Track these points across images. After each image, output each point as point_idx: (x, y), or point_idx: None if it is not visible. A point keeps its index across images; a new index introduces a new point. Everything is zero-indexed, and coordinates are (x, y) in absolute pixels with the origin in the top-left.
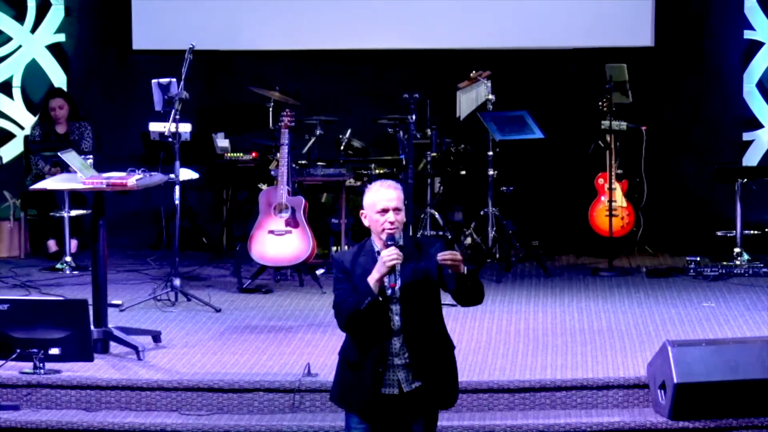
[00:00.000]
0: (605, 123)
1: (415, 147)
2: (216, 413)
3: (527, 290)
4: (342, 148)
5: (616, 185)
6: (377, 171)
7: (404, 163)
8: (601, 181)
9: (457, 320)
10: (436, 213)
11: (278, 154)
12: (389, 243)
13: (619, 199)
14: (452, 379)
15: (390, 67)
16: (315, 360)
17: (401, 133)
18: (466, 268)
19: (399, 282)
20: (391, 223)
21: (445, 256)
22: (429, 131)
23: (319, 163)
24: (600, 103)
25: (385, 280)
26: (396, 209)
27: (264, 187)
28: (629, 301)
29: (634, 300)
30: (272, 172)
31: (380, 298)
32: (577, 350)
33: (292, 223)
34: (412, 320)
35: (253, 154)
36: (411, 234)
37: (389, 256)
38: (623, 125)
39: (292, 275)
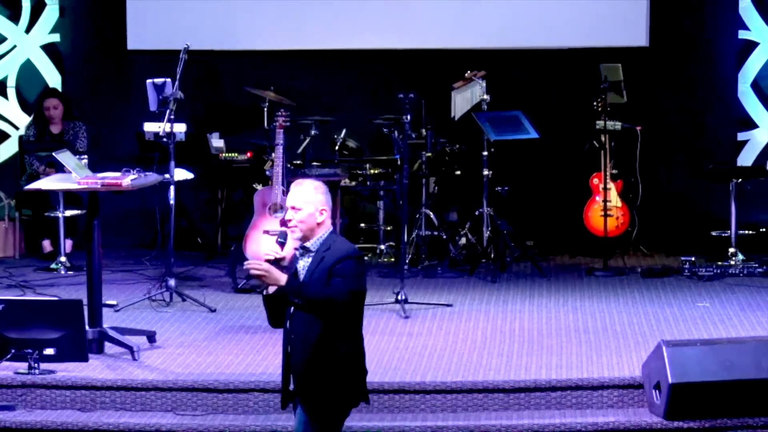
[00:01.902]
0: (600, 123)
1: (410, 147)
2: (211, 413)
3: (522, 290)
4: (337, 148)
5: (611, 185)
6: (372, 171)
7: (399, 163)
8: (596, 181)
9: (452, 320)
10: (431, 213)
11: (273, 154)
12: (278, 240)
13: (614, 199)
14: (322, 389)
15: (385, 67)
16: None
17: (396, 133)
18: (272, 288)
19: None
20: (289, 220)
21: (251, 265)
22: (424, 131)
23: (314, 163)
24: (595, 103)
25: None
26: (293, 207)
27: (259, 187)
28: (624, 301)
29: (629, 300)
30: (267, 172)
31: (263, 292)
32: (572, 350)
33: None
34: (297, 322)
35: (248, 154)
36: (343, 239)
37: (266, 252)
38: (618, 125)
39: None
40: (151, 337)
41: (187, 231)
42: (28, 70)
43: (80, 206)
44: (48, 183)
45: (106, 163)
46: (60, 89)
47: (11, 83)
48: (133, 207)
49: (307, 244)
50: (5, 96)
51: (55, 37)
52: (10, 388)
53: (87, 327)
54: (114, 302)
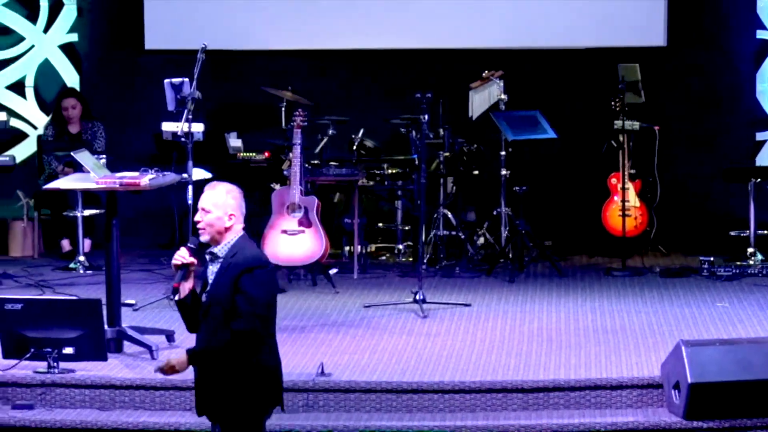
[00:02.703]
0: (618, 123)
1: (427, 147)
2: None
3: (540, 290)
4: (355, 147)
5: (629, 185)
6: (390, 171)
7: (417, 162)
8: (614, 180)
9: (470, 320)
10: (449, 213)
11: (291, 154)
12: (189, 245)
13: (632, 199)
14: (224, 397)
15: (402, 66)
16: (328, 360)
17: (414, 132)
18: (184, 292)
19: (185, 285)
20: (198, 222)
21: (176, 256)
22: (441, 131)
23: (332, 163)
24: (612, 103)
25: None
26: (203, 209)
27: (277, 186)
28: (643, 301)
29: (648, 300)
30: (285, 172)
31: (171, 297)
32: (590, 350)
33: (305, 222)
34: (202, 328)
35: (266, 154)
36: (252, 245)
37: (175, 256)
38: (636, 125)
39: (305, 275)
40: (170, 336)
41: None
42: (46, 69)
43: (99, 206)
44: (66, 182)
45: (124, 162)
46: (78, 89)
47: (29, 83)
48: (152, 207)
49: (215, 250)
50: (23, 96)
51: (73, 37)
52: (29, 387)
53: (106, 326)
54: (133, 301)
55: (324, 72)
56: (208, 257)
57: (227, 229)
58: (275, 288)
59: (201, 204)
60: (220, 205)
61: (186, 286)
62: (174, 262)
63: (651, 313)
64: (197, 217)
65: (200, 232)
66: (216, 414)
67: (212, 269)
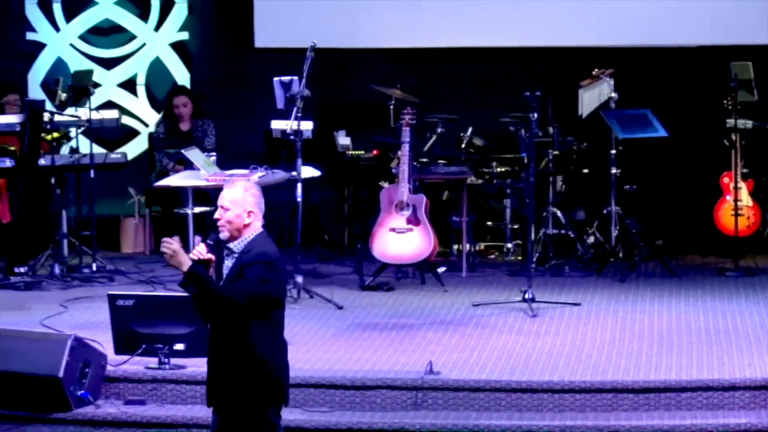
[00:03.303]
0: (730, 121)
1: (536, 145)
2: (338, 410)
3: (651, 290)
4: (463, 146)
5: (742, 184)
6: (498, 169)
7: (526, 161)
8: (726, 180)
9: (580, 319)
10: (558, 212)
11: (399, 152)
12: (208, 241)
13: (745, 199)
14: (235, 389)
15: (511, 64)
16: (437, 358)
17: (523, 131)
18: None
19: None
20: (218, 219)
21: (163, 244)
22: (551, 129)
23: (441, 161)
24: (725, 102)
25: None
26: (222, 206)
27: (385, 184)
28: (755, 301)
29: (761, 301)
30: (393, 170)
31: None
32: (702, 351)
33: (414, 220)
34: (215, 321)
35: (375, 152)
36: (268, 242)
37: (193, 251)
38: (748, 124)
39: (414, 273)
40: None
41: (313, 228)
42: (157, 68)
43: (209, 203)
44: (177, 180)
45: (234, 160)
46: (189, 87)
47: (141, 81)
48: None
49: (231, 245)
50: (135, 93)
51: (184, 35)
52: (141, 382)
53: None
54: None
55: (433, 70)
56: (225, 253)
57: (246, 226)
58: (277, 288)
59: (220, 201)
60: (238, 203)
61: None
62: (191, 257)
63: (764, 314)
64: (217, 214)
65: (220, 228)
66: (220, 406)
67: (227, 264)
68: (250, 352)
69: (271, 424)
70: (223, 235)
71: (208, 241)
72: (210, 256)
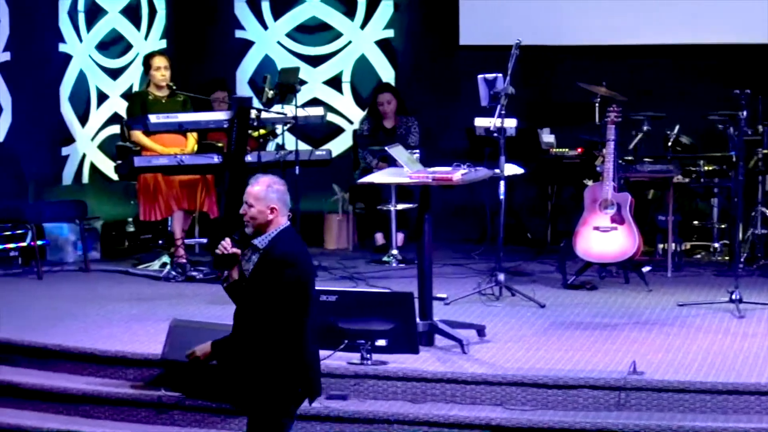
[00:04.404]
0: None
1: (745, 143)
2: (540, 409)
3: None
4: (670, 144)
5: None
6: (706, 168)
7: (734, 160)
8: None
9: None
10: (767, 211)
11: (604, 150)
12: (234, 236)
13: None
14: (251, 386)
15: (719, 62)
16: (641, 358)
17: (731, 129)
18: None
19: (233, 274)
20: (243, 214)
21: (219, 247)
22: (761, 128)
23: (646, 160)
24: None
25: None
26: (246, 202)
27: (589, 183)
28: None
29: None
30: (598, 168)
31: (223, 284)
32: None
33: (618, 219)
34: (238, 317)
35: (579, 150)
36: (290, 240)
37: (218, 246)
38: None
39: (617, 272)
40: (480, 330)
41: (516, 226)
42: (362, 65)
43: (411, 200)
44: (380, 177)
45: (437, 157)
46: (393, 84)
47: (346, 78)
48: (462, 201)
49: (256, 241)
50: (340, 91)
51: (389, 33)
52: (343, 378)
53: (418, 319)
54: (444, 295)
55: (639, 67)
56: (250, 249)
57: (269, 222)
58: (296, 287)
59: (245, 197)
60: (261, 199)
61: (233, 275)
62: (217, 252)
63: None
64: (242, 210)
65: (246, 224)
66: (239, 402)
67: (254, 260)
68: (270, 351)
69: (280, 426)
70: (248, 230)
71: (235, 237)
72: (235, 250)
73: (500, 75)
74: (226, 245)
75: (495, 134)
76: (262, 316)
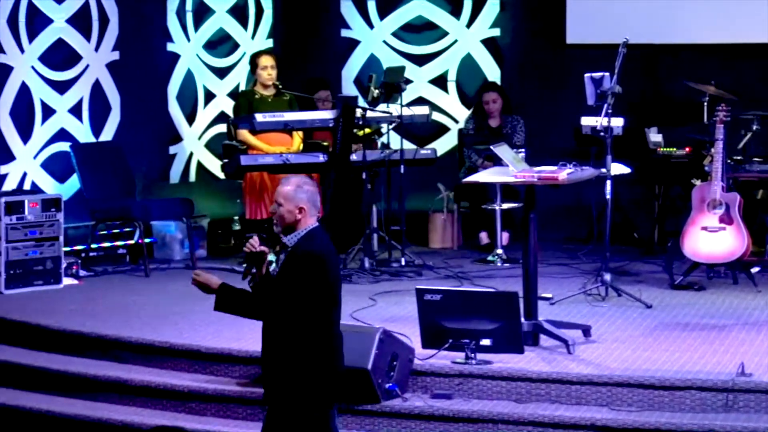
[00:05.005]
0: None
1: None
2: (646, 410)
3: None
4: None
5: None
6: None
7: None
8: None
9: None
10: None
11: (712, 150)
12: (262, 234)
13: None
14: (282, 392)
15: None
16: (749, 359)
17: None
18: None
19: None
20: (273, 213)
21: (247, 245)
22: None
23: (755, 159)
24: None
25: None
26: (276, 202)
27: (697, 182)
28: None
29: None
30: (706, 168)
31: (250, 283)
32: None
33: (726, 219)
34: (265, 322)
35: (687, 149)
36: (318, 238)
37: (246, 244)
38: None
39: (726, 273)
40: (586, 331)
41: (622, 226)
42: (468, 64)
43: (517, 199)
44: (486, 176)
45: (542, 156)
46: (499, 83)
47: (451, 77)
48: (568, 201)
49: (284, 240)
50: (445, 90)
51: (495, 32)
52: (447, 377)
53: (523, 319)
54: (549, 295)
55: (748, 66)
56: (278, 247)
57: (298, 222)
58: (320, 284)
59: (275, 197)
60: (291, 199)
61: (261, 272)
62: (245, 249)
63: None
64: (271, 209)
65: (275, 223)
66: (271, 405)
67: (281, 258)
68: (296, 351)
69: (319, 426)
70: (277, 229)
71: (261, 234)
72: (263, 248)
73: (607, 74)
74: (254, 243)
75: (601, 133)
76: (289, 313)
